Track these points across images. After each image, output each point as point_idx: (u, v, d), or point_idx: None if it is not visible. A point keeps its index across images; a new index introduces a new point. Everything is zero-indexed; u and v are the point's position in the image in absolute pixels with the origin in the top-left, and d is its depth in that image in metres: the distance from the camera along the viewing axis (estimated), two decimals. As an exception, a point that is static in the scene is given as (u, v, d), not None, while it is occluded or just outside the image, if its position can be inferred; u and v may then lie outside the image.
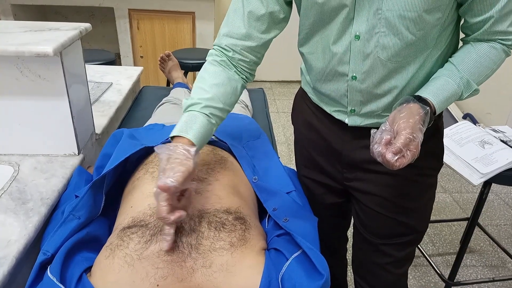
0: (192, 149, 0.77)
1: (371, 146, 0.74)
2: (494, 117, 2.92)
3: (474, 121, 2.94)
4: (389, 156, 0.70)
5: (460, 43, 0.90)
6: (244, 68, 0.94)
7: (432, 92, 0.79)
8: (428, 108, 0.76)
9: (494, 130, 1.56)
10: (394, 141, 0.71)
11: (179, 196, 0.74)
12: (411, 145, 0.71)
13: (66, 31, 1.08)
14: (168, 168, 0.72)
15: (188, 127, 0.82)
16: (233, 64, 0.92)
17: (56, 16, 3.78)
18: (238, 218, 0.76)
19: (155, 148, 0.77)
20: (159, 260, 0.68)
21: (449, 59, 0.84)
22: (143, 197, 0.82)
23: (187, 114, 0.86)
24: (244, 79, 0.95)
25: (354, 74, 0.84)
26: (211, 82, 0.89)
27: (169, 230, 0.69)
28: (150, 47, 3.39)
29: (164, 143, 0.92)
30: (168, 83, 2.26)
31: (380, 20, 0.76)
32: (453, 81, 0.80)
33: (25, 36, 1.03)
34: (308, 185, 1.10)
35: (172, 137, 0.83)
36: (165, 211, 0.68)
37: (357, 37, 0.80)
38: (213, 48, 0.94)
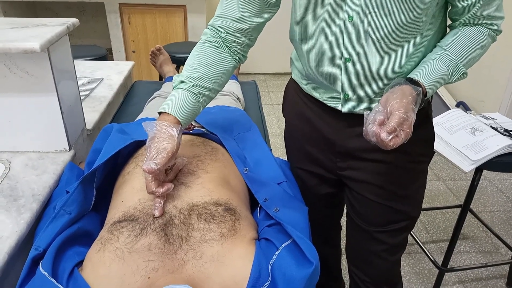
0: (176, 129, 0.82)
1: (364, 127, 0.75)
2: (487, 104, 2.93)
3: (467, 109, 2.95)
4: (383, 135, 0.71)
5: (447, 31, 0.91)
6: (237, 50, 0.96)
7: (423, 74, 0.81)
8: (420, 89, 0.78)
9: (485, 117, 1.57)
10: (388, 121, 0.72)
11: (167, 171, 0.83)
12: (405, 124, 0.72)
13: (53, 26, 1.07)
14: (152, 147, 0.79)
15: (174, 105, 0.87)
16: (226, 45, 0.95)
17: (46, 12, 3.75)
18: (227, 209, 0.77)
19: (143, 124, 0.83)
20: (150, 253, 0.68)
21: (438, 43, 0.85)
22: (133, 192, 0.82)
23: (176, 91, 0.89)
24: (236, 60, 0.97)
25: (348, 56, 0.85)
26: (202, 62, 0.92)
27: (160, 201, 0.76)
28: (142, 41, 3.37)
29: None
30: (160, 78, 2.26)
31: (372, 0, 0.77)
32: (443, 64, 0.81)
33: (12, 33, 1.02)
34: (301, 176, 1.10)
35: (160, 113, 0.87)
36: (153, 186, 0.76)
37: (351, 18, 0.81)
38: (208, 28, 0.96)
